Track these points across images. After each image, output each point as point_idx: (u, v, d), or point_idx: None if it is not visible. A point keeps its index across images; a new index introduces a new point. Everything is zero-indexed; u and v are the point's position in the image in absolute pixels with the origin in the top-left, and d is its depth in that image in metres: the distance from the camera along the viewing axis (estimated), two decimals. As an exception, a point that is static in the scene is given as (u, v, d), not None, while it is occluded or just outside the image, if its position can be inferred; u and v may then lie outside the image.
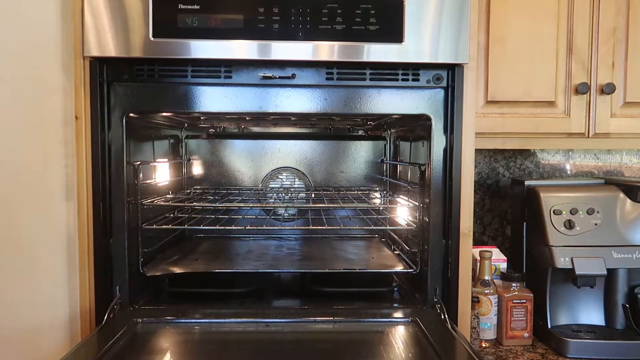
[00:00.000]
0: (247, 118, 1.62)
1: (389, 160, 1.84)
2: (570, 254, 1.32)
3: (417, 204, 1.41)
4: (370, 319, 1.22)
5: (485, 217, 1.86)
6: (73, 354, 0.98)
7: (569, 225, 1.35)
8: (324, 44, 1.15)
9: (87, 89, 1.16)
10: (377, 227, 1.67)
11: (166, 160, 1.64)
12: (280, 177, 1.85)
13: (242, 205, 1.53)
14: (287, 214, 1.85)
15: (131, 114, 1.21)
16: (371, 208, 1.68)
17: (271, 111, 1.22)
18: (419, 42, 1.16)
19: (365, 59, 1.16)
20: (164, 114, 1.38)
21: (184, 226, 1.56)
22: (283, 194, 1.79)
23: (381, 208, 1.70)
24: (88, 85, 1.16)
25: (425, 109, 1.23)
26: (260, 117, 1.60)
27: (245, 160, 1.84)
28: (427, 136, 1.27)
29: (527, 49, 1.46)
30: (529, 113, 1.49)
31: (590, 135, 1.50)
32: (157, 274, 1.37)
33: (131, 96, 1.19)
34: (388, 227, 1.69)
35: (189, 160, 1.83)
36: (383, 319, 1.22)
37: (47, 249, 1.18)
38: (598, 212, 1.36)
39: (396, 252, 1.62)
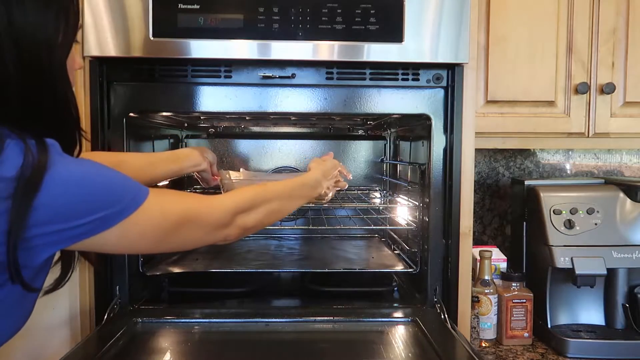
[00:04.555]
0: (247, 118, 1.62)
1: (389, 159, 1.84)
2: (570, 254, 1.32)
3: (417, 203, 1.41)
4: (370, 319, 1.22)
5: (485, 216, 1.86)
6: (73, 354, 0.98)
7: (569, 225, 1.35)
8: (324, 44, 1.15)
9: (87, 88, 1.16)
10: (377, 227, 1.67)
11: (166, 160, 1.64)
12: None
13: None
14: (287, 214, 1.85)
15: (131, 114, 1.21)
16: (371, 208, 1.67)
17: (271, 111, 1.22)
18: (418, 42, 1.16)
19: (365, 58, 1.16)
20: (164, 113, 1.38)
21: (183, 226, 1.56)
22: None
23: (381, 208, 1.70)
24: (88, 85, 1.16)
25: (425, 109, 1.23)
26: (260, 117, 1.60)
27: (245, 159, 1.83)
28: (427, 136, 1.27)
29: (527, 49, 1.46)
30: (529, 113, 1.49)
31: (590, 135, 1.50)
32: (157, 273, 1.37)
33: (131, 96, 1.19)
34: (388, 227, 1.69)
35: (189, 160, 1.83)
36: (383, 319, 1.22)
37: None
38: (598, 211, 1.36)
39: (396, 251, 1.62)
